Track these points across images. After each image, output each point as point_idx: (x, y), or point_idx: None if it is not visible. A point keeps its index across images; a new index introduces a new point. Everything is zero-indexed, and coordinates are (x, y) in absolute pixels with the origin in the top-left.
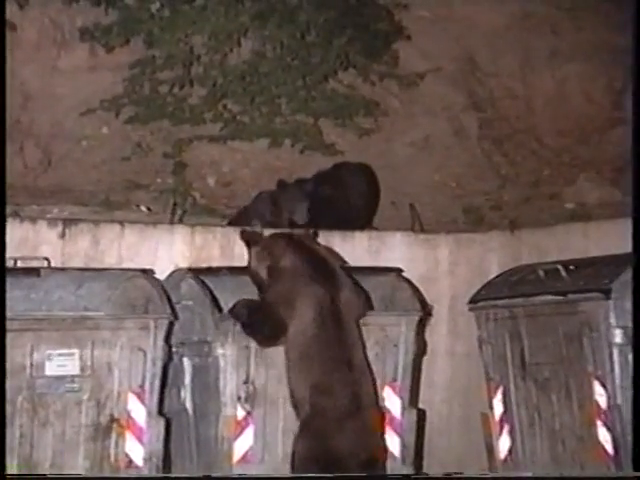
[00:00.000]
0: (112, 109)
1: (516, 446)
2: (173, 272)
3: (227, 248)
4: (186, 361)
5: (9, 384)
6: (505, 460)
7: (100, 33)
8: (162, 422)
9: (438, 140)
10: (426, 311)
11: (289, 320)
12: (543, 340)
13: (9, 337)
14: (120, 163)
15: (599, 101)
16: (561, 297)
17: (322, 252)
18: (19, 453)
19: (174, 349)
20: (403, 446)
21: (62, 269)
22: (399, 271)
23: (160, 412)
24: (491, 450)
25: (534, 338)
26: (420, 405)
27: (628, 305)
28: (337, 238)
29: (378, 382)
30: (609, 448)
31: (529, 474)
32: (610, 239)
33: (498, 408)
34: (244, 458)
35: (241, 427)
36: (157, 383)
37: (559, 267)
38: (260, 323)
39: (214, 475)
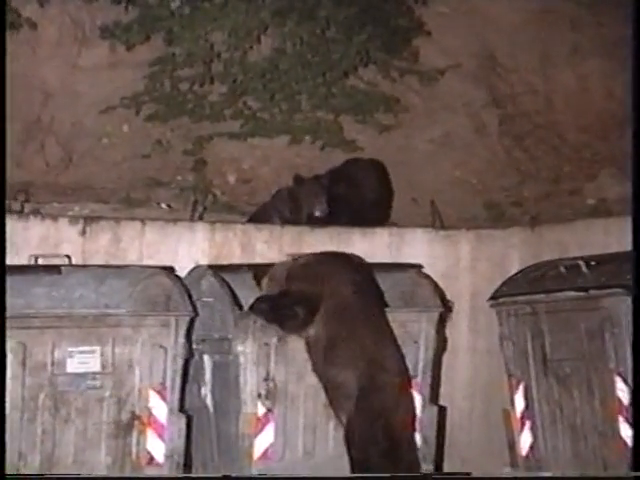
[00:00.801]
0: (132, 107)
1: (538, 442)
2: (193, 269)
3: (247, 245)
4: (206, 358)
5: (31, 381)
6: (527, 456)
7: (120, 31)
8: (183, 419)
9: (458, 136)
10: (447, 307)
11: (320, 299)
12: (564, 336)
13: (31, 334)
14: (141, 161)
15: (620, 97)
16: (582, 293)
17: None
18: (41, 450)
19: (194, 346)
20: (424, 442)
21: (83, 266)
22: (420, 267)
23: (181, 409)
24: (512, 446)
25: (555, 334)
26: (441, 402)
27: None
28: (357, 235)
29: None
30: (631, 444)
31: (548, 474)
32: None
33: (519, 404)
34: (265, 455)
35: (261, 424)
36: (178, 380)
37: (580, 263)
38: (288, 309)
39: (233, 475)
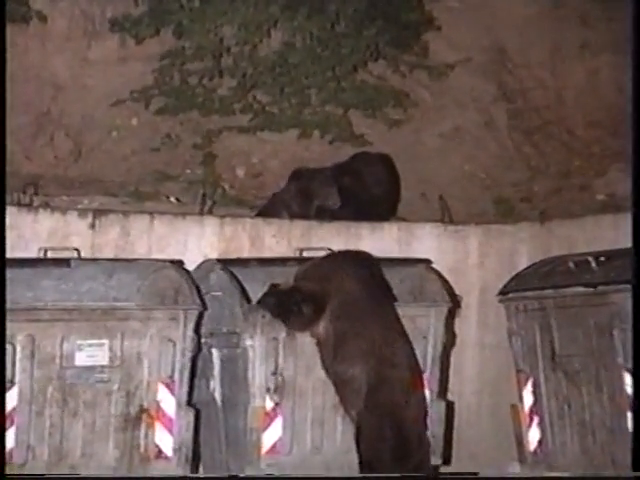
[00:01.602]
0: (142, 100)
1: (546, 438)
2: (202, 263)
3: (256, 239)
4: (215, 352)
5: (39, 374)
6: (535, 452)
7: (130, 24)
8: (191, 413)
9: (468, 131)
10: (455, 302)
11: (327, 298)
12: (573, 332)
13: (40, 327)
14: (150, 154)
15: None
16: (591, 289)
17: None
18: (49, 443)
19: (203, 340)
20: (432, 438)
21: (92, 260)
22: (428, 262)
23: (189, 403)
24: (521, 442)
25: (564, 330)
26: (449, 397)
27: None
28: (366, 229)
29: None
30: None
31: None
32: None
33: (528, 400)
34: (273, 449)
35: (270, 418)
36: (186, 374)
37: (589, 258)
38: (294, 305)
39: (240, 475)
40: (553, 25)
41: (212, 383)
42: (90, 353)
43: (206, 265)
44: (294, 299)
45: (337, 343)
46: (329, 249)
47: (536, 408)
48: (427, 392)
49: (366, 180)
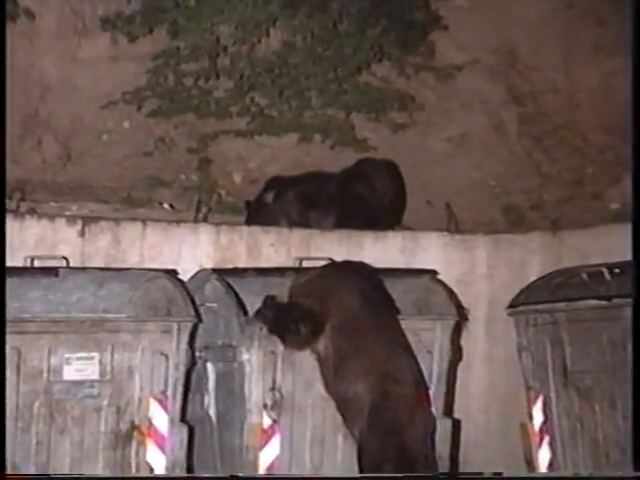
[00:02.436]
0: (134, 102)
1: (557, 458)
2: (197, 273)
3: (254, 248)
4: (210, 366)
5: (25, 389)
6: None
7: (122, 22)
8: (185, 430)
9: (476, 136)
10: (462, 316)
11: (326, 316)
12: (586, 347)
13: (26, 340)
14: (142, 159)
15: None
16: (605, 302)
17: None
18: (35, 461)
19: (198, 353)
20: (438, 457)
21: (81, 269)
22: (434, 273)
23: (183, 419)
24: (530, 462)
25: (576, 345)
26: (455, 414)
27: None
28: (369, 238)
29: None
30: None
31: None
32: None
33: (538, 418)
34: (270, 468)
35: (267, 436)
36: (180, 389)
37: (603, 270)
38: (291, 323)
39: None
40: (566, 25)
41: (207, 399)
42: (79, 367)
43: (201, 275)
44: (291, 317)
45: (337, 360)
46: (330, 259)
47: (547, 427)
48: (433, 409)
49: (377, 188)
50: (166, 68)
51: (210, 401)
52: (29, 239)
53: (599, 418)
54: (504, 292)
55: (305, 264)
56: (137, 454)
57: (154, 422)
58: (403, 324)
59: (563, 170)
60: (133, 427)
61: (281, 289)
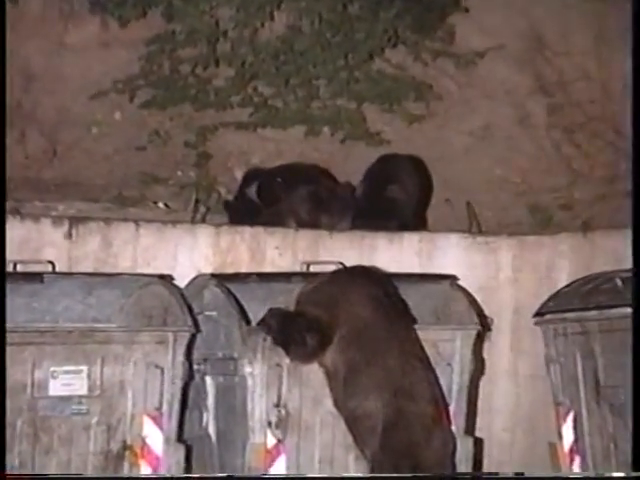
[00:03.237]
0: (126, 91)
1: None
2: (195, 278)
3: (257, 251)
4: (209, 380)
5: (8, 405)
6: None
7: (113, 5)
8: (181, 450)
9: (500, 129)
10: (485, 325)
11: (335, 326)
12: (620, 359)
13: (8, 351)
14: (135, 153)
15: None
16: None
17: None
18: None
19: (196, 366)
20: None
21: (68, 274)
22: (454, 279)
23: (179, 438)
24: None
25: (610, 356)
26: (477, 433)
27: None
28: (382, 240)
29: None
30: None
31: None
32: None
33: (568, 437)
34: None
35: (271, 456)
36: (176, 405)
37: None
38: (297, 334)
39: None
40: (598, 7)
41: (205, 416)
42: (66, 381)
43: (199, 281)
44: (297, 327)
45: (348, 375)
46: (340, 263)
47: (577, 447)
48: (453, 428)
49: (408, 188)
50: (161, 54)
51: (209, 419)
52: (11, 242)
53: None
54: (530, 299)
55: (313, 269)
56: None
57: (148, 442)
58: (420, 334)
59: (595, 166)
60: (125, 447)
61: (287, 296)
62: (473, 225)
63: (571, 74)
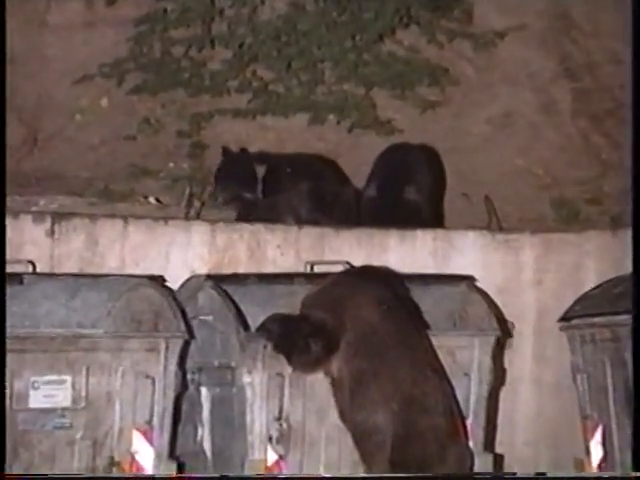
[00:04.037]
0: (114, 76)
1: None
2: (189, 280)
3: (256, 250)
4: (204, 391)
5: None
6: None
7: None
8: (174, 467)
9: (522, 116)
10: (505, 331)
11: (341, 332)
12: None
13: None
14: (123, 143)
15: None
16: None
17: None
18: None
19: (189, 376)
20: None
21: (51, 275)
22: (471, 280)
23: (171, 455)
24: None
25: None
26: (497, 449)
27: None
28: (393, 238)
29: None
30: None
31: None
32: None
33: (596, 453)
34: None
35: (272, 474)
36: (168, 418)
37: None
38: (300, 340)
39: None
40: None
41: (200, 430)
42: (48, 392)
43: (193, 282)
44: (300, 332)
45: (355, 386)
46: (347, 263)
47: (607, 463)
48: (470, 443)
49: (422, 185)
50: (151, 35)
51: (204, 433)
52: None
53: None
54: (555, 302)
55: (317, 269)
56: None
57: (137, 458)
58: (434, 341)
59: (625, 157)
60: (112, 464)
61: (289, 299)
62: (492, 221)
63: (599, 56)
